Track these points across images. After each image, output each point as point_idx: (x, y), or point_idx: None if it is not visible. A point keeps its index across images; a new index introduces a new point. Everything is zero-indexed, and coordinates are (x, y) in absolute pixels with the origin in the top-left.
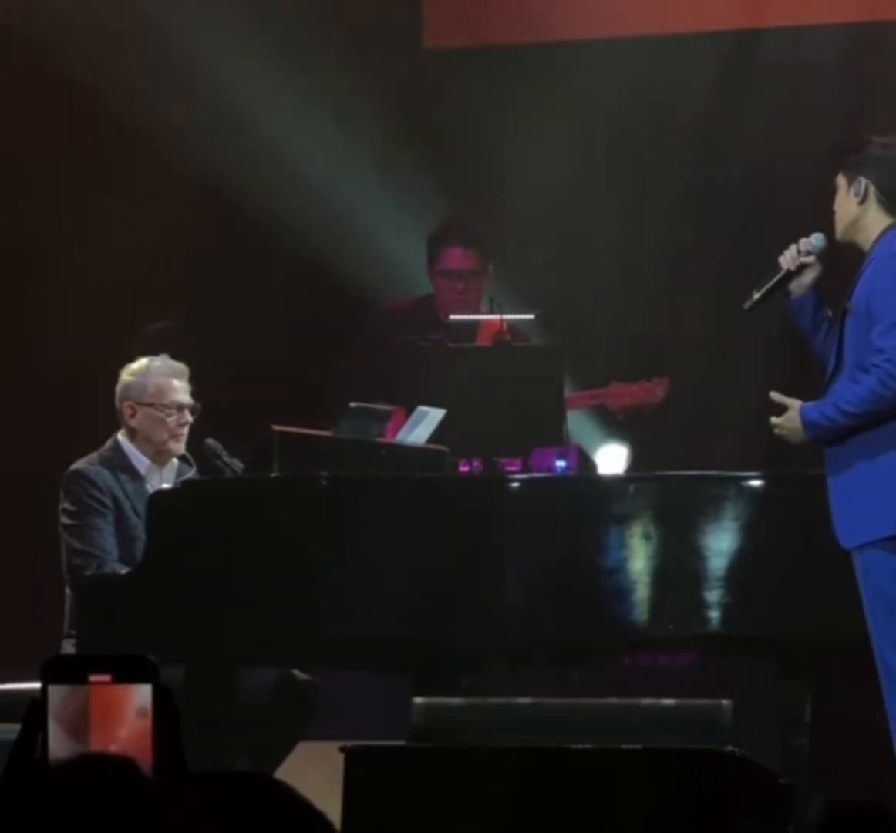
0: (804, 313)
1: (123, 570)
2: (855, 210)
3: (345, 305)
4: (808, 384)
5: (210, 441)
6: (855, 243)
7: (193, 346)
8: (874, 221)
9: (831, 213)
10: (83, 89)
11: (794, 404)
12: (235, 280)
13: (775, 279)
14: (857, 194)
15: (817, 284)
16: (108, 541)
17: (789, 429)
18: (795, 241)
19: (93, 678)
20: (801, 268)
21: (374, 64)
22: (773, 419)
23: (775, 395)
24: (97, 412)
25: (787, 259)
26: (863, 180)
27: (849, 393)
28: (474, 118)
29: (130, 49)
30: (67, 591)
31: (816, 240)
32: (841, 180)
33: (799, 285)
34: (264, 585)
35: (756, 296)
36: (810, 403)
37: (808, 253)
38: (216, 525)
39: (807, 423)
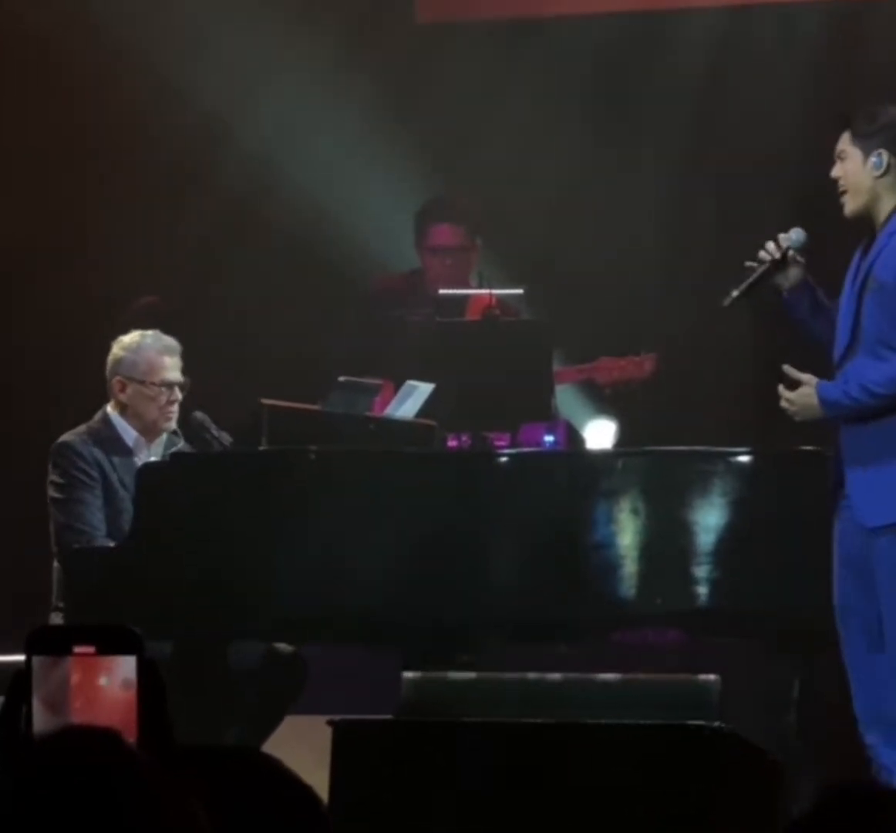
0: (800, 307)
1: (111, 545)
2: (871, 183)
3: (334, 280)
4: (801, 360)
5: (198, 414)
6: (868, 216)
7: (181, 321)
8: (892, 193)
9: (831, 183)
10: (60, 68)
11: (811, 381)
12: (223, 255)
13: (755, 275)
14: (878, 167)
15: (806, 276)
16: (95, 516)
17: (802, 405)
18: (780, 229)
19: (77, 649)
20: (784, 264)
21: (365, 38)
22: (785, 393)
23: (789, 370)
24: (85, 384)
25: (768, 253)
26: (884, 153)
27: (877, 373)
28: (465, 92)
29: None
30: (55, 563)
31: (796, 234)
32: (853, 150)
33: (786, 280)
34: (252, 559)
35: (734, 293)
36: (827, 382)
37: (789, 249)
38: (204, 498)
39: (826, 402)
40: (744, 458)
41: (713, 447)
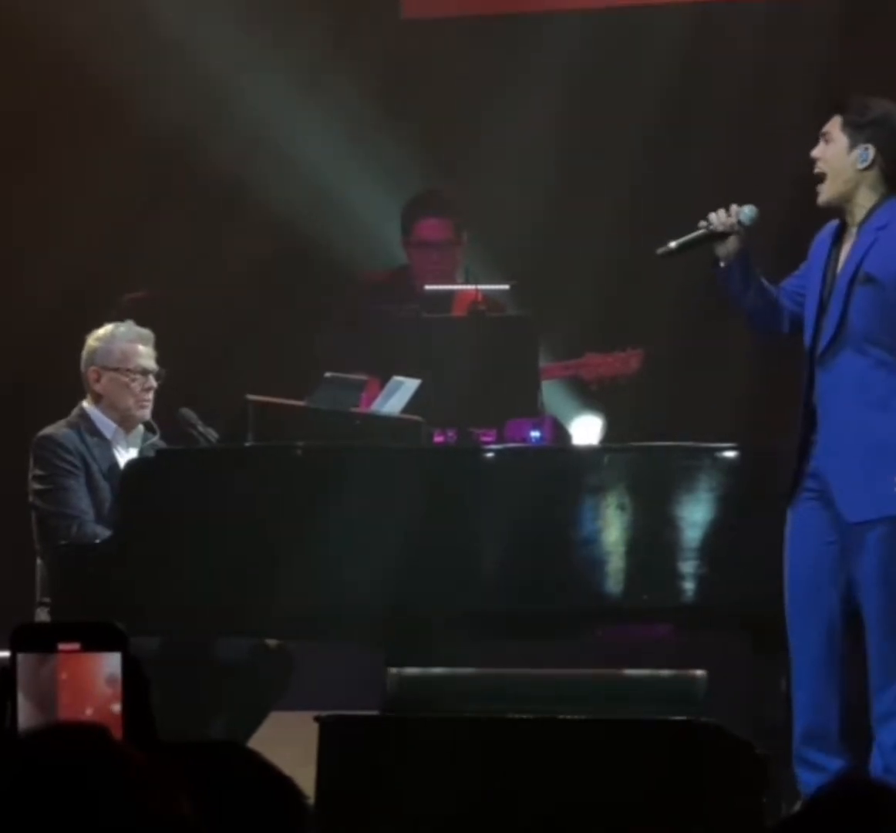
0: (733, 279)
1: (105, 531)
2: (854, 174)
3: (321, 277)
4: (785, 356)
5: (184, 410)
6: (840, 205)
7: (168, 316)
8: (871, 189)
9: (809, 166)
10: (49, 52)
11: None
12: (211, 251)
13: (697, 234)
14: (864, 160)
15: (745, 249)
16: (83, 500)
17: None
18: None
19: (62, 646)
20: (726, 234)
21: (352, 34)
22: None
23: None
24: (64, 381)
25: (718, 219)
26: (871, 148)
27: None
28: (452, 89)
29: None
30: (38, 561)
31: (749, 210)
32: (840, 136)
33: (725, 252)
34: (238, 555)
35: (673, 245)
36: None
37: (739, 222)
38: (190, 494)
39: None
40: (730, 454)
41: (699, 443)
